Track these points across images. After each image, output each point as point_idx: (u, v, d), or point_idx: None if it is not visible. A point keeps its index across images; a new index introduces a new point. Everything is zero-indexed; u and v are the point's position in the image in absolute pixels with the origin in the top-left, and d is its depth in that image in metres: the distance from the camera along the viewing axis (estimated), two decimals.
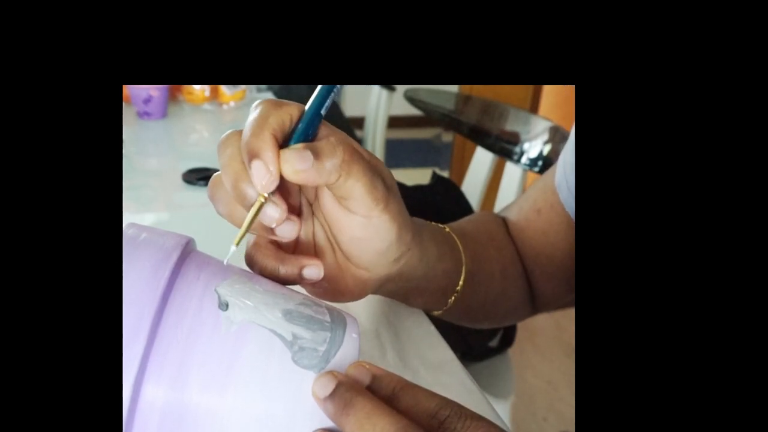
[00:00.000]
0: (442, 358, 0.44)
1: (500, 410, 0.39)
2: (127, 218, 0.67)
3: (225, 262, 0.27)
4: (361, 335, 0.28)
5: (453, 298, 0.48)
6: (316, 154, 0.28)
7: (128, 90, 1.10)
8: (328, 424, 0.25)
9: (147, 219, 0.70)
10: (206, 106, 1.24)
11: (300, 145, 0.29)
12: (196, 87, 1.23)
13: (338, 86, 0.31)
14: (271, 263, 0.31)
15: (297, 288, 0.31)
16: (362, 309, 0.49)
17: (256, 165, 0.28)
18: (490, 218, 0.58)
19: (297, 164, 0.28)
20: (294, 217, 0.31)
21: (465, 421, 0.24)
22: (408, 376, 0.26)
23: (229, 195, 0.30)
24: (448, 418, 0.24)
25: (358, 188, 0.30)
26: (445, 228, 0.48)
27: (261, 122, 0.29)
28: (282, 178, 0.29)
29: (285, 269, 0.31)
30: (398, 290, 0.38)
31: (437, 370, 0.43)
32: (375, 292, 0.37)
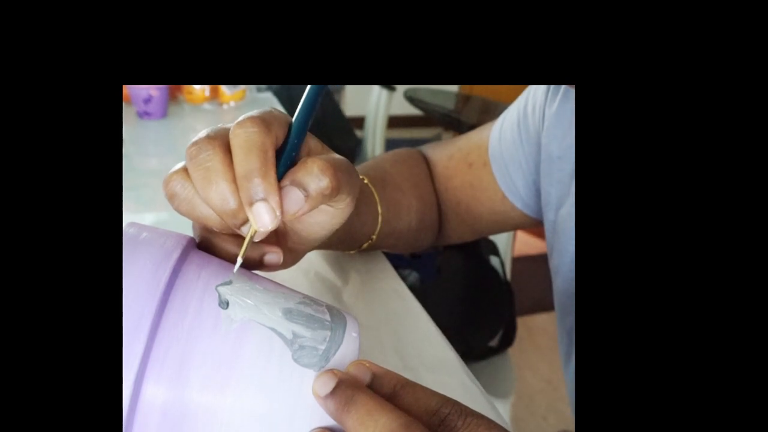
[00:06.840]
0: (442, 358, 0.44)
1: (500, 410, 0.39)
2: (127, 218, 0.67)
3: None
4: (361, 334, 0.28)
5: (366, 244, 0.51)
6: (304, 189, 0.28)
7: (128, 90, 1.10)
8: (329, 422, 0.25)
9: (147, 219, 0.70)
10: (206, 105, 1.24)
11: (288, 183, 0.28)
12: (196, 87, 1.23)
13: (321, 94, 0.31)
14: (233, 248, 0.31)
15: (297, 287, 0.31)
16: (362, 308, 0.49)
17: (263, 208, 0.27)
18: (416, 161, 0.60)
19: (293, 207, 0.28)
20: (277, 248, 0.31)
21: (466, 419, 0.24)
22: (408, 376, 0.26)
23: (195, 196, 0.29)
24: (449, 415, 0.24)
25: (343, 195, 0.31)
26: (364, 179, 0.50)
27: (263, 157, 0.28)
28: None
29: (246, 254, 0.31)
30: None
31: (437, 369, 0.42)
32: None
